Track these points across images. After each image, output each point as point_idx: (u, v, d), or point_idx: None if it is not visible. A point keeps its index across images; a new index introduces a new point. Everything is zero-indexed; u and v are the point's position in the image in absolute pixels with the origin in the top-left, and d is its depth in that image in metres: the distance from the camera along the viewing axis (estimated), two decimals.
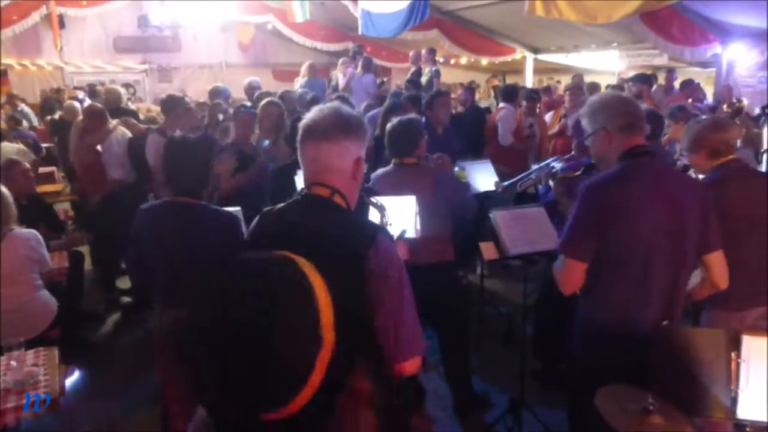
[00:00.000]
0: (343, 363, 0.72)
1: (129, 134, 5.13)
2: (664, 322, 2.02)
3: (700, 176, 2.72)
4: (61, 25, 11.98)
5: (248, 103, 5.62)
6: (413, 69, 8.06)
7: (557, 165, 4.24)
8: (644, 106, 5.55)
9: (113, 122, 5.15)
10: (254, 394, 0.67)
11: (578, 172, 3.19)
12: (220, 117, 5.52)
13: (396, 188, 3.00)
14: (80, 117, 5.39)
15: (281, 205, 1.73)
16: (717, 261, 2.14)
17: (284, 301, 0.67)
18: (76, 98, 7.75)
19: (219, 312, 0.71)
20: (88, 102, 6.67)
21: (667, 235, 2.02)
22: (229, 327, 0.69)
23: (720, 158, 2.61)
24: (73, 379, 2.79)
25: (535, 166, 4.62)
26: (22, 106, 10.16)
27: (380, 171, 3.35)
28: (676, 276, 2.06)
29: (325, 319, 0.66)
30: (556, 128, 6.38)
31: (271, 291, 0.69)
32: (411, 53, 8.43)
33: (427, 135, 4.67)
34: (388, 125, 3.34)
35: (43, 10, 11.10)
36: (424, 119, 5.01)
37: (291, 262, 0.71)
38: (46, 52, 12.45)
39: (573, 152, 4.19)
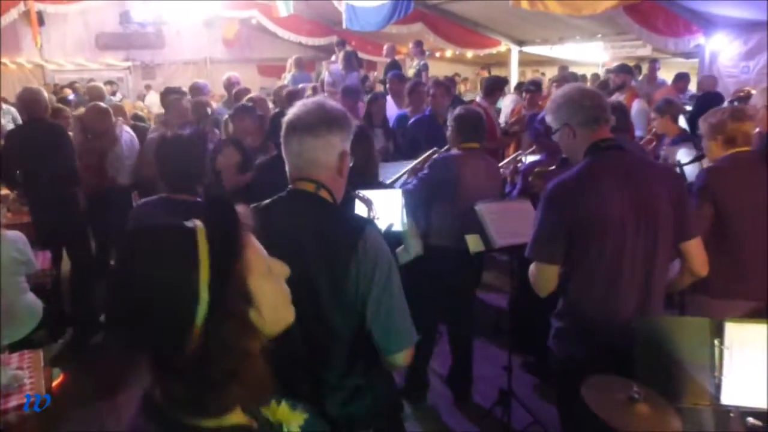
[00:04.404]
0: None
1: (135, 137, 5.00)
2: (636, 317, 2.00)
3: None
4: (41, 22, 11.76)
5: (249, 104, 5.58)
6: (388, 61, 8.01)
7: (524, 159, 4.27)
8: (620, 98, 5.57)
9: (117, 120, 4.97)
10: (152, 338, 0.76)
11: (553, 167, 3.18)
12: (209, 111, 5.46)
13: (475, 170, 3.25)
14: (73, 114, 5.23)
15: (267, 201, 1.71)
16: (695, 249, 2.11)
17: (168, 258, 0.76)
18: (65, 99, 7.55)
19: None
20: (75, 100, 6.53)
21: (637, 229, 2.00)
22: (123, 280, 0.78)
23: (735, 147, 2.60)
24: (57, 381, 2.77)
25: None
26: (8, 107, 9.95)
27: (445, 155, 3.45)
28: (650, 268, 2.04)
29: (203, 279, 0.73)
30: None
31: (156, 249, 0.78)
32: (385, 47, 8.35)
33: (431, 127, 4.69)
34: (458, 110, 3.44)
35: (21, 6, 10.88)
36: (428, 110, 5.00)
37: (183, 228, 0.79)
38: (26, 50, 12.21)
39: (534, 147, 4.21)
